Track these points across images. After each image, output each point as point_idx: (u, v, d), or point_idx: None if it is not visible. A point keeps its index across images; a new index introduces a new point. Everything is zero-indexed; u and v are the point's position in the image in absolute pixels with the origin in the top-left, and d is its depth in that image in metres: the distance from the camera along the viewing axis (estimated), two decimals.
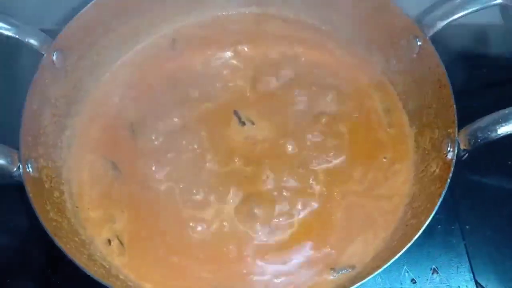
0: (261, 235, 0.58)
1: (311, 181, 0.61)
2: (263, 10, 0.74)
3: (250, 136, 0.65)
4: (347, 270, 0.55)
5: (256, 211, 0.58)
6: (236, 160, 0.62)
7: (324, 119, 0.65)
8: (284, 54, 0.71)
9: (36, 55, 0.60)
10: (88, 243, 0.57)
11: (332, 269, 0.55)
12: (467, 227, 0.63)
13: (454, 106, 0.55)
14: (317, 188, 0.61)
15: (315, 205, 0.60)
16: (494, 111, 0.54)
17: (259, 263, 0.57)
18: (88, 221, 0.59)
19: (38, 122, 0.59)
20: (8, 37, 0.58)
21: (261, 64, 0.70)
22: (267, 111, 0.66)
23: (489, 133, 0.52)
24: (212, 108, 0.67)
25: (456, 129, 0.54)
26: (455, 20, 0.59)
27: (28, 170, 0.54)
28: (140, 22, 0.71)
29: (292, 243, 0.58)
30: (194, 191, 0.60)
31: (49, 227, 0.51)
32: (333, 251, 0.57)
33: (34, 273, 0.61)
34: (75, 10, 0.63)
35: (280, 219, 0.59)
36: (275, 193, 0.60)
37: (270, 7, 0.74)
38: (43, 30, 0.61)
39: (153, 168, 0.62)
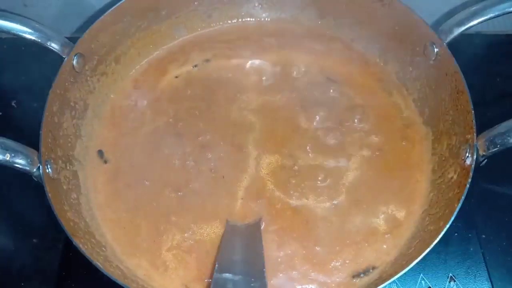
0: None
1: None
2: (280, 17, 0.75)
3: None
4: (367, 273, 0.55)
5: None
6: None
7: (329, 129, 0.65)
8: (298, 62, 0.72)
9: (57, 58, 0.61)
10: (103, 245, 0.57)
11: (355, 276, 0.55)
12: (483, 236, 0.62)
13: (473, 111, 0.55)
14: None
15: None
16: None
17: None
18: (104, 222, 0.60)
19: (58, 124, 0.60)
20: (30, 41, 0.59)
21: (275, 72, 0.71)
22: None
23: (509, 138, 0.51)
24: (228, 116, 0.67)
25: (475, 134, 0.54)
26: (472, 26, 0.59)
27: (47, 170, 0.54)
28: (158, 28, 0.72)
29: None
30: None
31: (67, 228, 0.51)
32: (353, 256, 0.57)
33: (48, 276, 0.61)
34: (95, 18, 0.64)
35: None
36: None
37: (286, 15, 0.75)
38: None
39: (173, 174, 0.62)
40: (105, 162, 0.64)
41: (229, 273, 0.50)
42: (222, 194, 0.61)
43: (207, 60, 0.72)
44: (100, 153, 0.65)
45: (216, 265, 0.52)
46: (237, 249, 0.55)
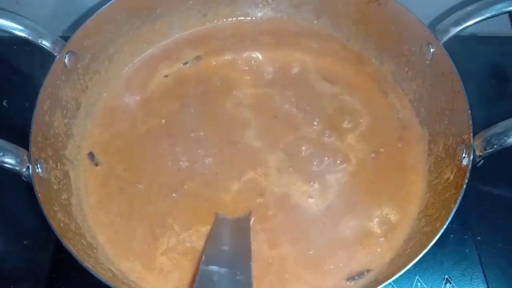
0: None
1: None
2: (276, 16, 0.75)
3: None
4: (361, 276, 0.55)
5: None
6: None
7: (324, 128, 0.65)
8: (294, 61, 0.71)
9: (50, 57, 0.60)
10: (95, 247, 0.56)
11: (350, 278, 0.55)
12: (479, 237, 0.62)
13: (469, 111, 0.54)
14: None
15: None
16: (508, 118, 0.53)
17: None
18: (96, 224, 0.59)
19: (49, 123, 0.59)
20: (21, 38, 0.59)
21: (269, 70, 0.71)
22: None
23: (506, 138, 0.51)
24: (222, 113, 0.67)
25: (471, 135, 0.54)
26: (468, 26, 0.58)
27: (37, 170, 0.53)
28: (152, 27, 0.71)
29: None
30: None
31: (57, 228, 0.50)
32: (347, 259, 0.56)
33: (38, 278, 0.60)
34: (87, 16, 0.64)
35: None
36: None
37: (282, 14, 0.74)
38: None
39: (167, 175, 0.62)
40: (96, 165, 0.63)
41: (216, 265, 0.50)
42: (218, 194, 0.60)
43: (198, 58, 0.72)
44: (91, 155, 0.64)
45: (203, 257, 0.51)
46: (225, 242, 0.55)
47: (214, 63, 0.71)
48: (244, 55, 0.72)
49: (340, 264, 0.56)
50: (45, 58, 0.60)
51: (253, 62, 0.71)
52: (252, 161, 0.63)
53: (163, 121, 0.66)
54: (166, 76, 0.70)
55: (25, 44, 0.59)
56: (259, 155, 0.63)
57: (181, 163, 0.62)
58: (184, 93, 0.68)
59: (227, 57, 0.72)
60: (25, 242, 0.63)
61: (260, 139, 0.64)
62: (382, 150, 0.63)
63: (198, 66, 0.71)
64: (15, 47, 0.77)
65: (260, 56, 0.72)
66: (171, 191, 0.60)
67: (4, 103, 0.73)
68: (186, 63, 0.71)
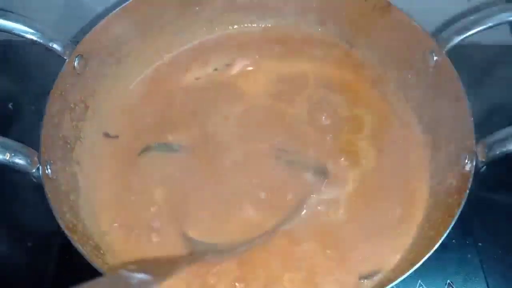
0: None
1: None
2: (278, 24, 0.75)
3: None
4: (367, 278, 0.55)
5: None
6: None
7: (330, 135, 0.66)
8: (296, 69, 0.72)
9: (54, 60, 0.60)
10: (102, 247, 0.56)
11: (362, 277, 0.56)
12: (480, 244, 0.63)
13: (472, 118, 0.55)
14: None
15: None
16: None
17: None
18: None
19: (58, 126, 0.59)
20: (32, 41, 0.59)
21: (273, 80, 0.71)
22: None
23: (508, 145, 0.52)
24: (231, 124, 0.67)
25: (474, 141, 0.54)
26: (471, 35, 0.59)
27: (47, 171, 0.54)
28: (159, 34, 0.71)
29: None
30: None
31: (67, 229, 0.50)
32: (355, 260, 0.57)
33: (43, 281, 0.61)
34: (94, 22, 0.64)
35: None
36: None
37: (286, 21, 0.75)
38: None
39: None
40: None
41: None
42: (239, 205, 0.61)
43: (212, 68, 0.72)
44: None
45: None
46: None
47: (219, 73, 0.72)
48: (249, 63, 0.72)
49: (344, 268, 0.56)
50: (50, 60, 0.61)
51: (257, 68, 0.72)
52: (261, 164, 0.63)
53: (168, 128, 0.66)
54: (182, 84, 0.71)
55: (29, 47, 0.60)
56: (266, 159, 0.64)
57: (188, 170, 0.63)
58: (194, 101, 0.69)
59: (233, 66, 0.72)
60: (29, 244, 0.63)
61: (266, 142, 0.65)
62: (384, 156, 0.64)
63: (210, 77, 0.71)
64: (20, 50, 0.77)
65: (265, 64, 0.72)
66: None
67: (10, 106, 0.74)
68: (201, 77, 0.72)
